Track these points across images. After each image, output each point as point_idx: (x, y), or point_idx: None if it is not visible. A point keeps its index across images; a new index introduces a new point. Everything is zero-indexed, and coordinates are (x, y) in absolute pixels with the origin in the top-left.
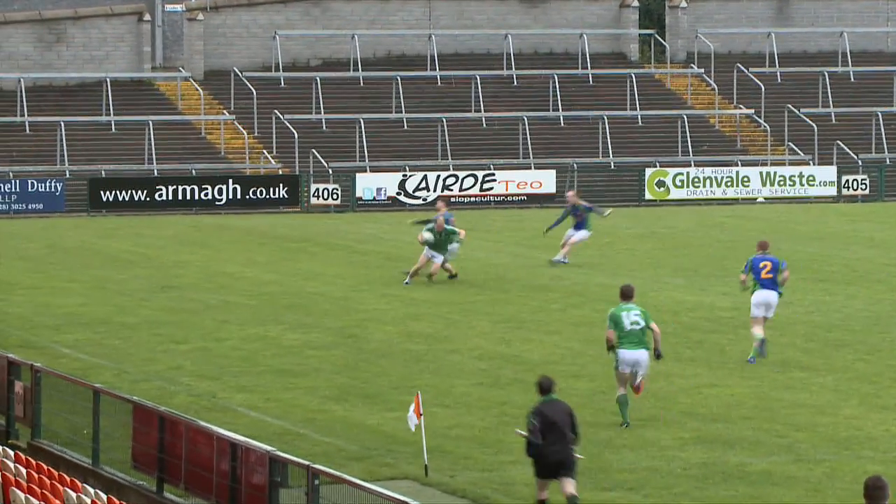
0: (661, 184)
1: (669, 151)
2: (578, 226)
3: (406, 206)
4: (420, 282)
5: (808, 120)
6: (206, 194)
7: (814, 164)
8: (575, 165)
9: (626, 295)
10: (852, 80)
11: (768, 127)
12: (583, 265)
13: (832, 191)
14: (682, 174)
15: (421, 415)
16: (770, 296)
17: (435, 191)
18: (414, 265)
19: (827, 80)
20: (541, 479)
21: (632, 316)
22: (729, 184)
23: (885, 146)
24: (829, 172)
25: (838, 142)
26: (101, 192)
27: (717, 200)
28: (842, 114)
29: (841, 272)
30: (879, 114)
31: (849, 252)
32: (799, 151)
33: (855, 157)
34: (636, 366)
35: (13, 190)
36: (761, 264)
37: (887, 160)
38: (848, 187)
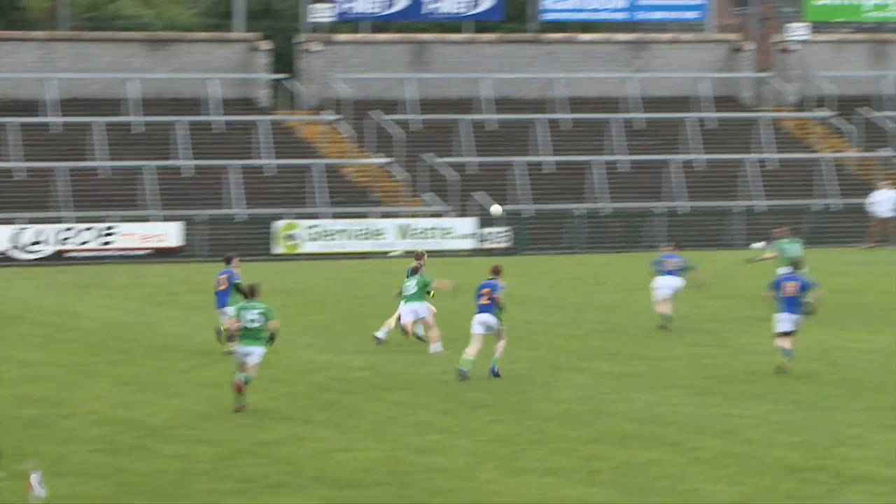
0: (291, 237)
1: (301, 202)
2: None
3: (20, 261)
4: (36, 342)
5: (446, 169)
6: None
7: (452, 216)
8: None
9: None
10: (492, 128)
11: (405, 177)
12: (206, 324)
13: (471, 243)
14: (314, 227)
15: (34, 487)
16: None
17: (51, 245)
18: None
19: (466, 127)
20: None
21: (253, 314)
22: (363, 237)
23: (529, 196)
24: (468, 224)
25: (478, 192)
26: None
27: (351, 254)
28: (481, 163)
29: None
30: (519, 163)
31: None
32: (436, 202)
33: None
34: (249, 356)
35: None
36: None
37: (529, 211)
38: (487, 240)
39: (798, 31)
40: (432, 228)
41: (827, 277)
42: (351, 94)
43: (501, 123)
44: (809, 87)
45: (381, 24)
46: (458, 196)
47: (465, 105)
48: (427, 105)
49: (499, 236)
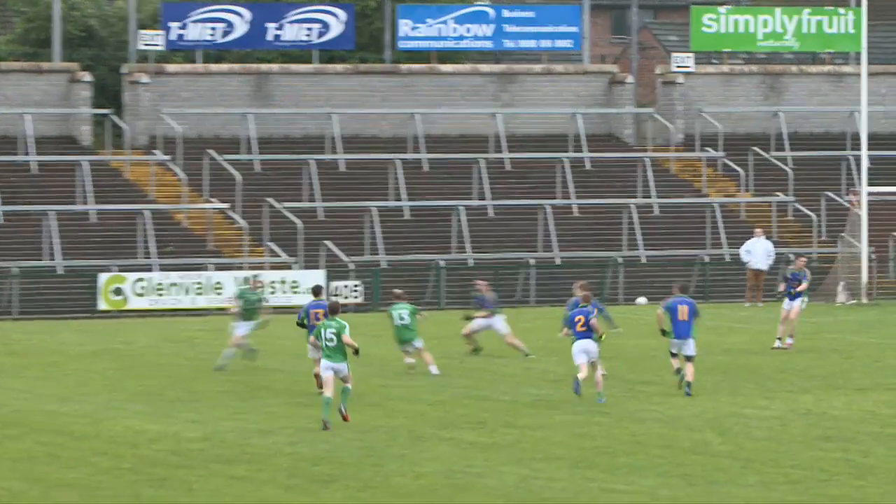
0: (118, 291)
1: (129, 253)
2: None
3: None
4: None
5: (291, 216)
6: None
7: (299, 268)
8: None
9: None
10: (343, 168)
11: (246, 224)
12: (23, 390)
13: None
14: (143, 280)
15: None
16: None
17: None
18: None
19: (313, 168)
20: None
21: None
22: (199, 291)
23: (381, 246)
24: (316, 277)
25: (327, 241)
26: None
27: (185, 311)
28: (331, 208)
29: None
30: (374, 209)
31: None
32: (281, 253)
33: (346, 258)
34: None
35: None
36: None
37: (383, 262)
38: (338, 295)
39: (684, 61)
40: (277, 282)
41: (717, 337)
42: (184, 131)
43: (353, 164)
44: (696, 123)
45: (217, 53)
46: (305, 245)
47: (312, 143)
48: (270, 143)
49: (350, 291)
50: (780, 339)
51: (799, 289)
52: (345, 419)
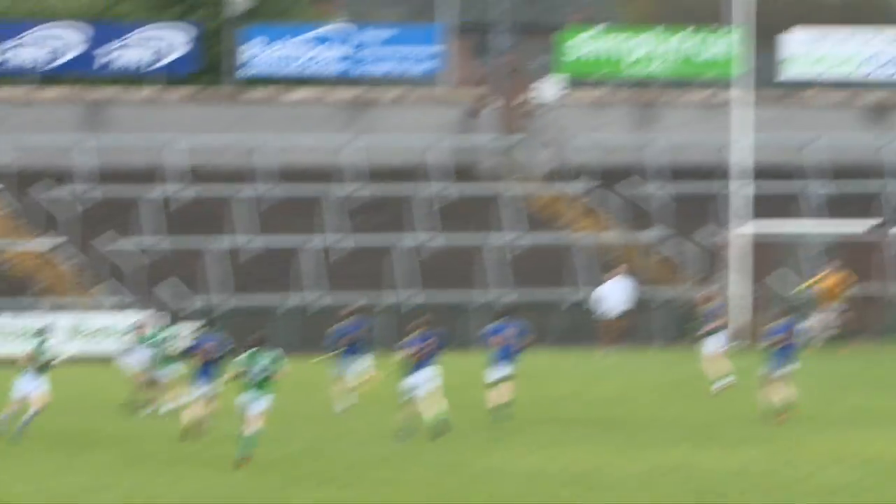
0: None
1: None
2: None
3: None
4: None
5: (126, 254)
6: None
7: (135, 311)
8: None
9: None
10: (183, 203)
11: (76, 263)
12: None
13: None
14: None
15: None
16: None
17: None
18: None
19: (151, 203)
20: None
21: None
22: (24, 337)
23: (227, 286)
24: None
25: (166, 282)
26: None
27: (7, 360)
28: (170, 247)
29: None
30: (212, 247)
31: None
32: (115, 294)
33: (183, 300)
34: None
35: None
36: None
37: (227, 305)
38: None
39: (550, 88)
40: (111, 326)
41: (584, 385)
42: (10, 161)
43: (195, 198)
44: (563, 154)
45: (48, 77)
46: (141, 286)
47: (149, 175)
48: (104, 175)
49: (190, 333)
50: (715, 380)
51: (711, 327)
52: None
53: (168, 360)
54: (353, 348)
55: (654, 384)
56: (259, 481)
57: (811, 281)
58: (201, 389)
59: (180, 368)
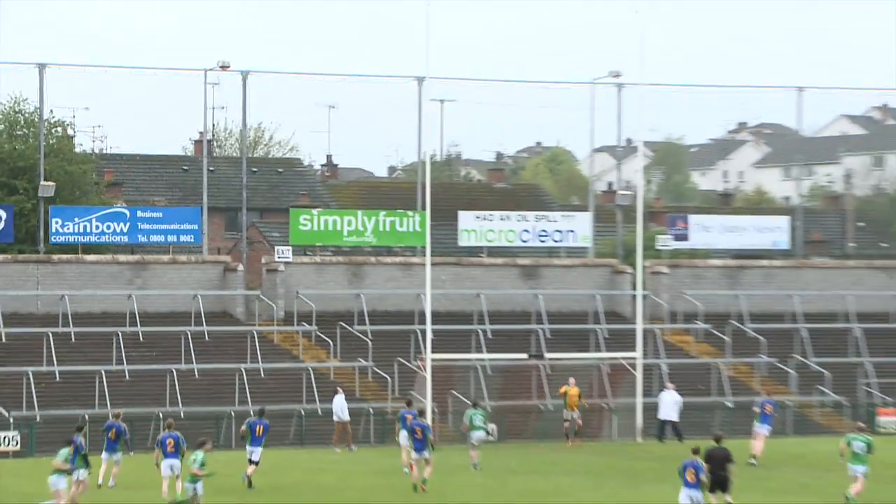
0: None
1: None
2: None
3: None
4: None
5: None
6: None
7: None
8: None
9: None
10: (4, 340)
11: None
12: None
13: None
14: None
15: None
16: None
17: None
18: None
19: None
20: None
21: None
22: None
23: (36, 403)
24: None
25: None
26: None
27: None
28: None
29: None
30: (30, 372)
31: None
32: None
33: (7, 413)
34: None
35: None
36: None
37: (38, 417)
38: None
39: (284, 253)
40: None
41: (308, 476)
42: None
43: (13, 336)
44: (295, 303)
45: None
46: None
47: None
48: None
49: (11, 440)
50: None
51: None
52: None
53: None
54: (111, 444)
55: (370, 473)
56: None
57: (561, 391)
58: None
59: None
